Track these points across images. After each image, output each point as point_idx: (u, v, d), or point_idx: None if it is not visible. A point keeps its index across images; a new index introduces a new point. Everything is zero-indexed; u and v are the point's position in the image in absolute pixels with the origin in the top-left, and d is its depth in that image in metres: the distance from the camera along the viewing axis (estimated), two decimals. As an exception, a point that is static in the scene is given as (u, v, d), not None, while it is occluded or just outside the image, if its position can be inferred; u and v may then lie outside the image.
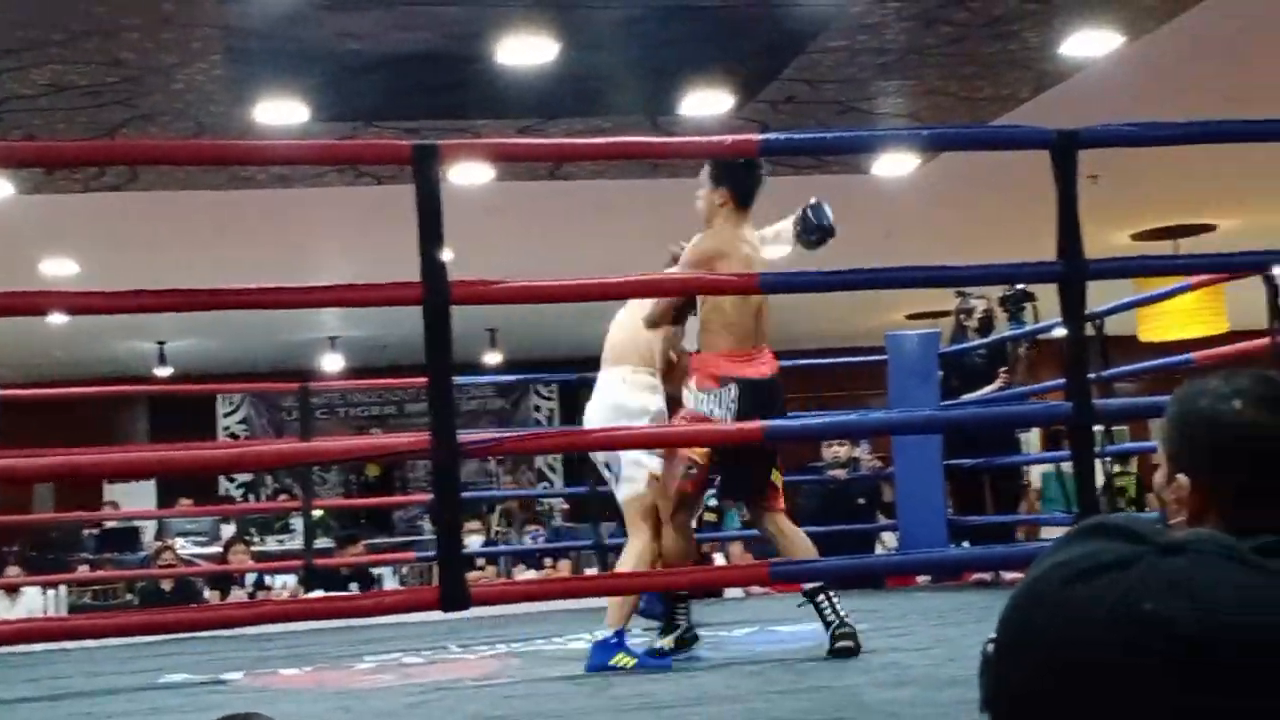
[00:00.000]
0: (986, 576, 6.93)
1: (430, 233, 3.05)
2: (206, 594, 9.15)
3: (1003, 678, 0.84)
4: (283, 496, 13.40)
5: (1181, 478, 1.61)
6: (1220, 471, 1.58)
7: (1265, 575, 0.80)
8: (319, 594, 7.63)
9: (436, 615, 3.78)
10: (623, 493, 4.68)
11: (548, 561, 10.43)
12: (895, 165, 8.07)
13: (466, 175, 7.48)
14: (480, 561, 10.30)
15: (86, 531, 12.09)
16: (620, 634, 4.43)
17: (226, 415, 14.84)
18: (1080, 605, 0.79)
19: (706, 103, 6.84)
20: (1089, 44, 6.21)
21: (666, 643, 4.65)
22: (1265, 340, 5.14)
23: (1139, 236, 9.89)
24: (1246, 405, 1.56)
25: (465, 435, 3.43)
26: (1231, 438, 1.56)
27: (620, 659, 4.39)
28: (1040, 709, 0.81)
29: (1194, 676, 0.76)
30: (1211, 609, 0.77)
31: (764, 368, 4.45)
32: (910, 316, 12.97)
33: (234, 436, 14.62)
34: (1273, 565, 0.82)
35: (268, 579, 9.89)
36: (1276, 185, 8.76)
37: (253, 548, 10.49)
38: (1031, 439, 9.91)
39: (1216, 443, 1.58)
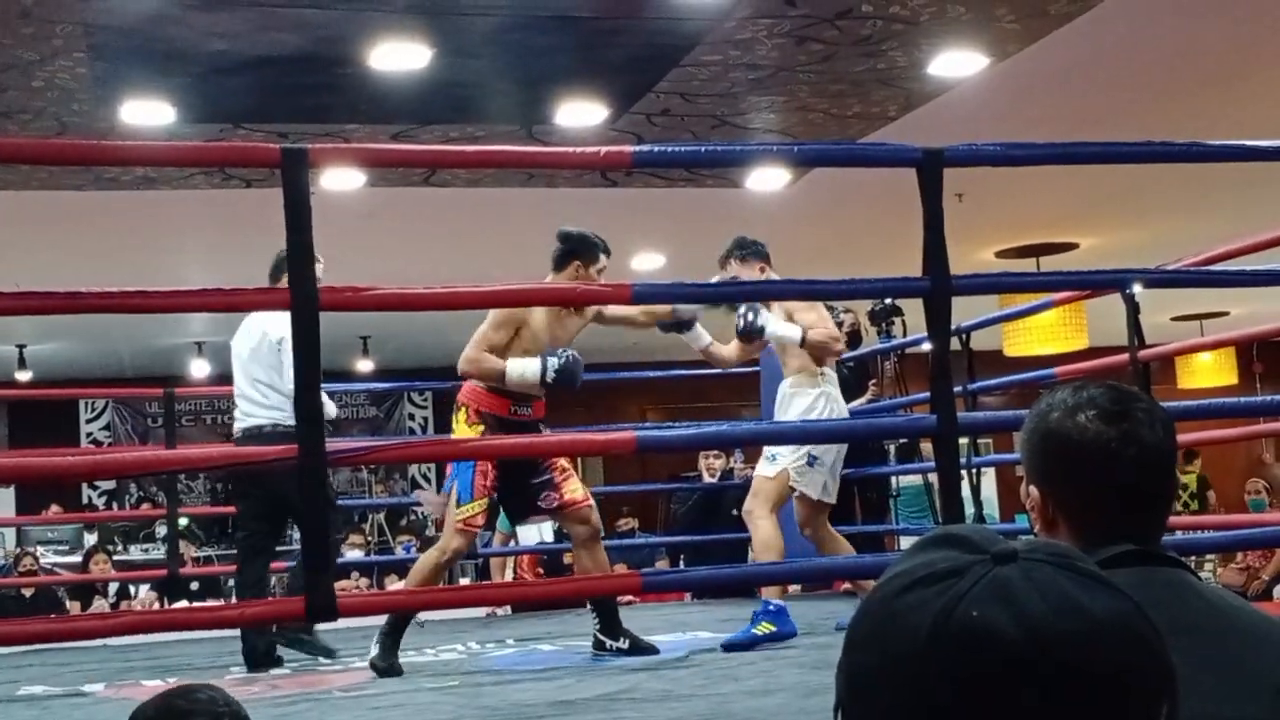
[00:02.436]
0: (855, 585, 7.02)
1: (298, 238, 3.01)
2: (68, 604, 8.94)
3: (840, 687, 0.86)
4: (147, 505, 13.09)
5: (1033, 490, 1.66)
6: (1065, 483, 1.63)
7: (1092, 584, 0.82)
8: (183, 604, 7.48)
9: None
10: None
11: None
12: (767, 180, 8.16)
13: (339, 181, 7.40)
14: (354, 573, 10.18)
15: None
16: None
17: (89, 421, 14.48)
18: (907, 613, 0.81)
19: (581, 113, 6.86)
20: (955, 65, 6.34)
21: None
22: (1124, 356, 5.29)
23: (1003, 254, 10.11)
24: (1090, 418, 1.61)
25: (334, 443, 3.40)
26: (1074, 450, 1.61)
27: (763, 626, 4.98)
28: (868, 717, 0.83)
29: (1013, 685, 0.78)
30: (1031, 617, 0.78)
31: None
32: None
33: (97, 443, 14.26)
34: (1105, 575, 0.83)
35: (131, 588, 9.67)
36: (1136, 205, 9.02)
37: (116, 557, 10.25)
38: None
39: (1061, 454, 1.62)
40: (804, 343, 5.11)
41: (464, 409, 4.95)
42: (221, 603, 7.93)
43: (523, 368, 4.78)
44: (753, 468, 8.67)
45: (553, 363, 4.79)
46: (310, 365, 3.04)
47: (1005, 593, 0.79)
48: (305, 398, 3.06)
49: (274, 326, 5.56)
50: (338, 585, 6.57)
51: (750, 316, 5.05)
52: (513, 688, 4.29)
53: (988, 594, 0.79)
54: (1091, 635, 0.79)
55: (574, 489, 4.98)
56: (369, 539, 11.62)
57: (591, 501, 5.03)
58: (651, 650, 4.96)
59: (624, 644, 4.97)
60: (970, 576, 0.81)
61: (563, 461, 5.00)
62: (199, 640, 6.12)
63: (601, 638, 5.03)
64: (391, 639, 4.79)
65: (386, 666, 4.73)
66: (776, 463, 5.15)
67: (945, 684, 0.78)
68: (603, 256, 4.98)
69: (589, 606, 5.25)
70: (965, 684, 0.78)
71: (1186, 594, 1.55)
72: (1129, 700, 0.80)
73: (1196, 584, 1.59)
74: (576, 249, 4.98)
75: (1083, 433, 1.60)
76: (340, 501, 12.16)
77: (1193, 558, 9.17)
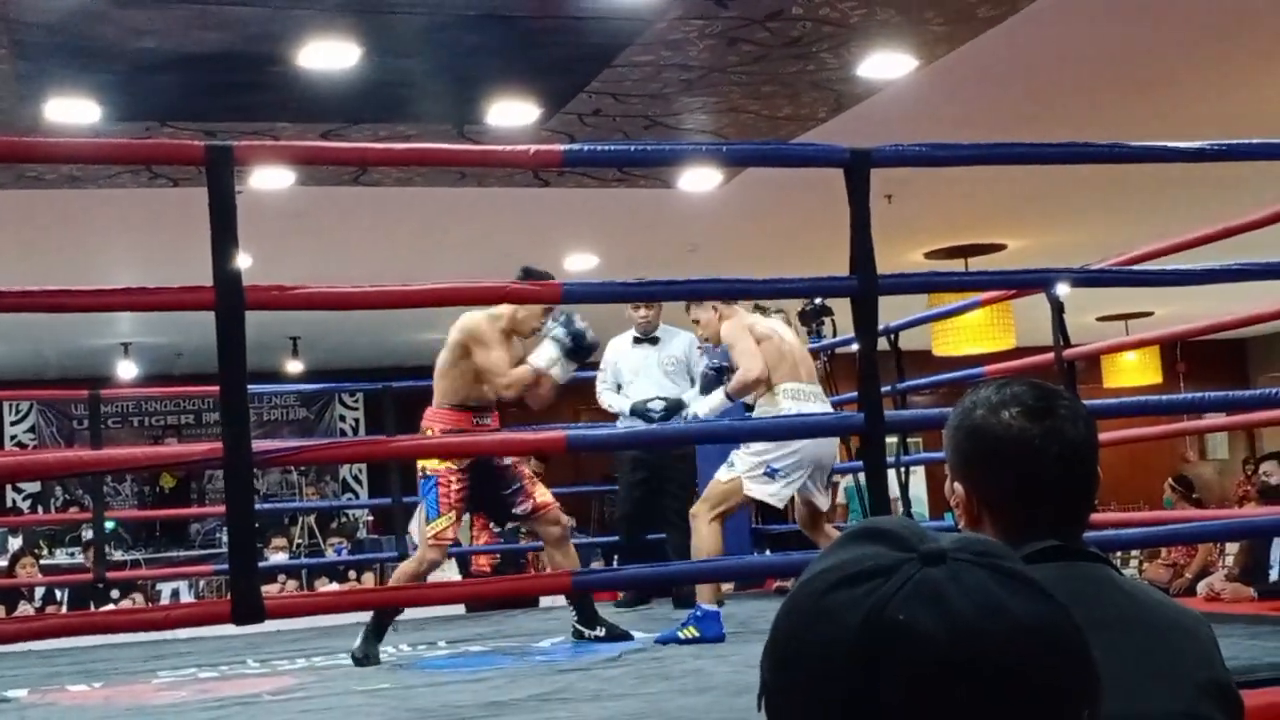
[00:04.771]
0: (788, 584, 7.05)
1: (223, 236, 2.98)
2: (-9, 609, 8.80)
3: (764, 686, 0.86)
4: (73, 509, 12.90)
5: (957, 486, 1.67)
6: (990, 479, 1.65)
7: (1020, 587, 0.82)
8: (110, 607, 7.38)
9: (235, 629, 3.70)
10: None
11: (351, 574, 10.29)
12: (699, 180, 8.18)
13: (268, 180, 7.33)
14: (281, 575, 10.10)
15: None
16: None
17: (13, 424, 14.25)
18: (834, 612, 0.81)
19: (513, 113, 6.84)
20: (885, 66, 6.38)
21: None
22: (1050, 355, 5.35)
23: (932, 255, 10.20)
24: (1014, 415, 1.63)
25: (262, 444, 3.36)
26: (998, 446, 1.63)
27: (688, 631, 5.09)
28: (790, 709, 0.83)
29: (938, 687, 0.78)
30: (959, 621, 0.78)
31: None
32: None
33: (21, 446, 14.04)
34: (1033, 577, 0.84)
35: (56, 592, 9.54)
36: (1062, 206, 9.13)
37: (41, 561, 10.10)
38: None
39: (984, 451, 1.64)
40: (731, 397, 5.30)
41: (429, 433, 5.23)
42: (147, 605, 7.84)
43: (546, 354, 5.10)
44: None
45: (561, 333, 5.07)
46: (235, 366, 3.00)
47: (933, 595, 0.80)
48: (230, 400, 3.03)
49: None
50: (265, 589, 6.51)
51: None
52: (444, 689, 4.27)
53: (915, 596, 0.80)
54: (1018, 640, 0.79)
55: (543, 493, 5.34)
56: (299, 542, 11.52)
57: (557, 504, 5.41)
58: (627, 636, 5.26)
59: (600, 632, 5.29)
60: (898, 577, 0.81)
61: (527, 469, 5.37)
62: (126, 644, 6.04)
63: (580, 628, 5.34)
64: (375, 635, 5.17)
65: (363, 656, 5.07)
66: (734, 469, 5.19)
67: (872, 684, 0.79)
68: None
69: (567, 601, 5.53)
70: (891, 685, 0.78)
71: (1109, 589, 1.57)
72: (1054, 704, 0.81)
73: (1118, 578, 1.61)
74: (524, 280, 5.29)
75: (1006, 430, 1.62)
76: (270, 504, 12.09)
77: (1118, 553, 9.29)
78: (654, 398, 6.35)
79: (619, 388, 6.58)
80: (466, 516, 6.38)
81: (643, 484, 6.64)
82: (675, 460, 6.62)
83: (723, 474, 5.22)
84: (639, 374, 6.52)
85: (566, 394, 5.90)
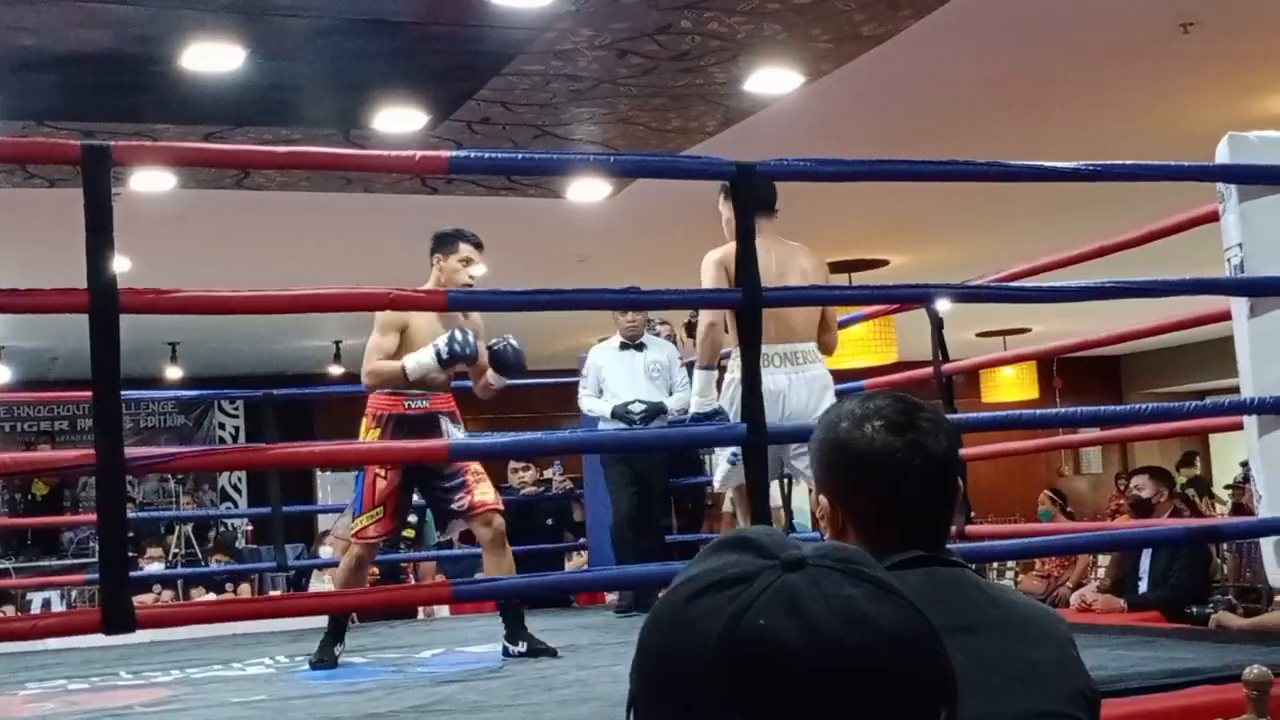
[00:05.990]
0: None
1: (98, 238, 2.92)
2: None
3: (632, 697, 0.86)
4: (-59, 517, 12.55)
5: (823, 498, 1.69)
6: (854, 492, 1.67)
7: (879, 593, 0.82)
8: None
9: (107, 640, 3.63)
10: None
11: (229, 584, 10.11)
12: (588, 190, 8.19)
13: (149, 182, 7.19)
14: (157, 585, 9.89)
15: None
16: None
17: (-122, 431, 13.84)
18: (697, 620, 0.81)
19: (400, 119, 6.79)
20: (772, 82, 6.45)
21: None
22: (930, 369, 5.44)
23: (817, 269, 10.30)
24: (877, 429, 1.65)
25: (136, 451, 3.30)
26: (861, 459, 1.65)
27: None
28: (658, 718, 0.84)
29: (796, 693, 0.78)
30: (817, 627, 0.79)
31: None
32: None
33: (-114, 452, 13.63)
34: (892, 583, 0.85)
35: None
36: (944, 223, 9.30)
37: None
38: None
39: (848, 465, 1.66)
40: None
41: (365, 417, 5.14)
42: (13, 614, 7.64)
43: (418, 359, 4.97)
44: (570, 479, 8.71)
45: (440, 342, 4.95)
46: (108, 370, 2.94)
47: (792, 601, 0.80)
48: (103, 405, 2.97)
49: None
50: (139, 598, 6.41)
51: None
52: (322, 701, 4.22)
53: (775, 602, 0.80)
54: (876, 646, 0.80)
55: (484, 492, 5.13)
56: (175, 551, 11.31)
57: (500, 506, 5.15)
58: (550, 652, 5.02)
59: (522, 648, 5.09)
60: (759, 584, 0.81)
61: (476, 465, 5.16)
62: (-8, 656, 5.88)
63: (506, 644, 5.14)
64: (330, 638, 5.08)
65: (318, 660, 5.02)
66: (725, 471, 5.02)
67: (732, 690, 0.79)
68: (463, 246, 5.17)
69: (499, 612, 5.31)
70: (750, 691, 0.79)
71: (971, 592, 1.60)
72: (913, 705, 0.82)
73: (981, 582, 1.64)
74: (434, 245, 5.21)
75: (870, 443, 1.64)
76: (146, 513, 11.85)
77: (995, 564, 9.46)
78: (634, 400, 6.45)
79: (601, 393, 6.64)
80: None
81: (635, 492, 6.66)
82: (659, 469, 6.71)
83: (725, 479, 5.04)
84: (622, 378, 6.61)
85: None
